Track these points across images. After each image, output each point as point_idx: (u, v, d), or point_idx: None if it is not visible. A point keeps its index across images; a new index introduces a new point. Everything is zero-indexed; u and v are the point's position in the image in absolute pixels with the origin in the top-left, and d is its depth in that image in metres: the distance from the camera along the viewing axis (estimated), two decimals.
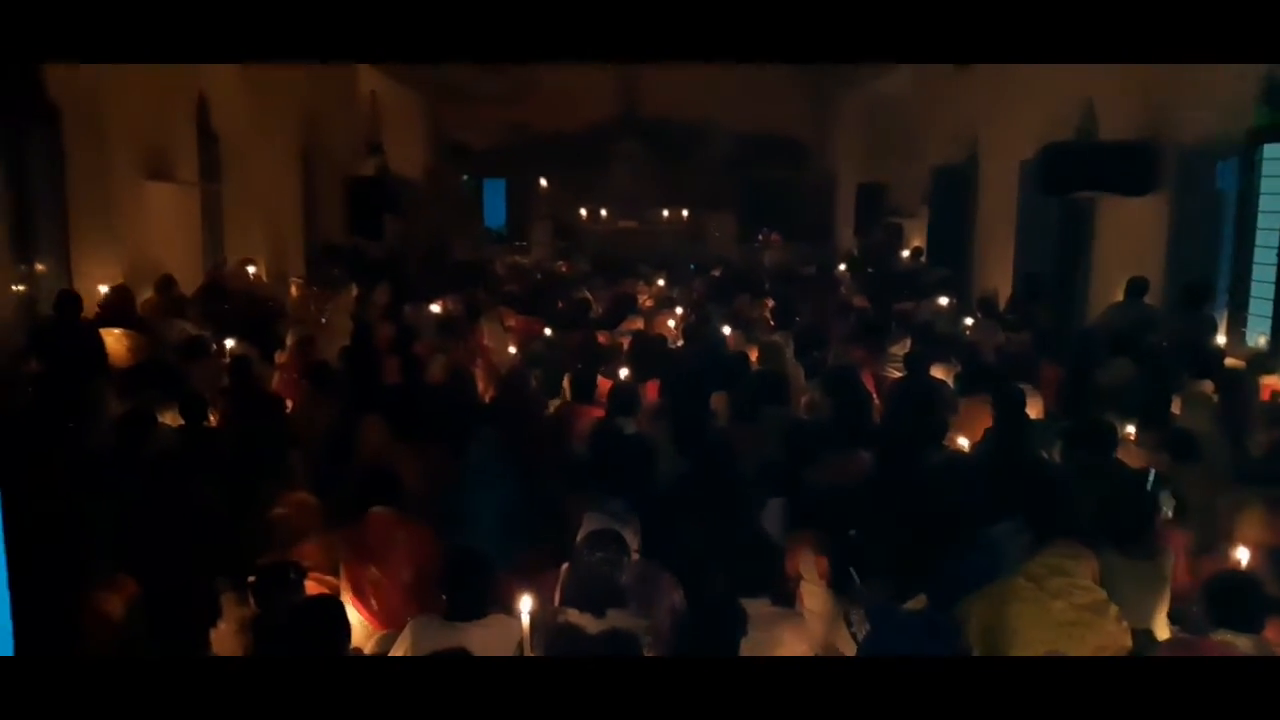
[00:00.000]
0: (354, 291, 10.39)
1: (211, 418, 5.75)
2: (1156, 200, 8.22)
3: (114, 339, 7.04)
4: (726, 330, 8.40)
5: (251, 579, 3.23)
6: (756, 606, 3.04)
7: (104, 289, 7.96)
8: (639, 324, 9.19)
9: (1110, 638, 3.28)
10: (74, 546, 3.53)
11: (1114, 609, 3.32)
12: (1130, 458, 4.94)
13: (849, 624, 3.01)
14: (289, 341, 7.81)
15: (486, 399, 6.79)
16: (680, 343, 8.38)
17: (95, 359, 6.58)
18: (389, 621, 3.74)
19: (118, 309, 7.69)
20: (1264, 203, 7.82)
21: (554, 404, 6.45)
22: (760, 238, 18.14)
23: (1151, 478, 4.37)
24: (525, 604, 2.88)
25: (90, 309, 7.54)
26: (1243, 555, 3.95)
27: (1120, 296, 8.03)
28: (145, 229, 8.89)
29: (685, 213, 18.73)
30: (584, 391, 6.21)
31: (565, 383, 6.51)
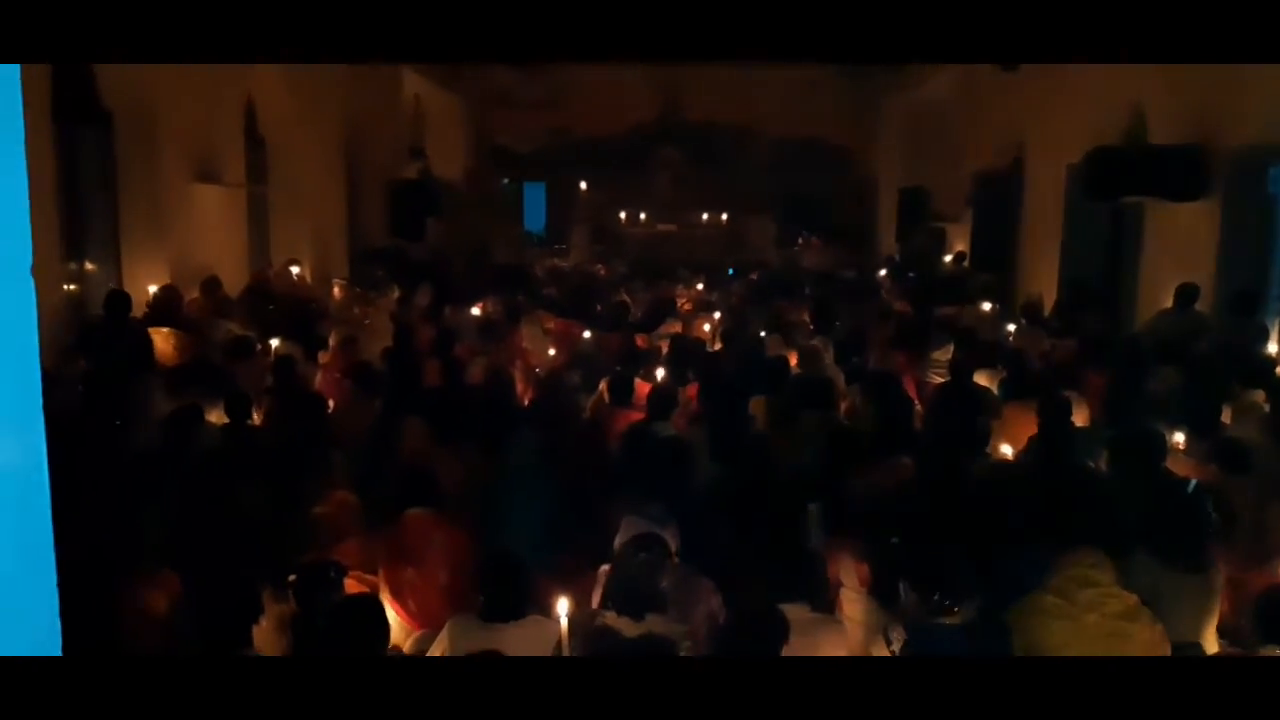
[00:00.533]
0: (396, 293, 10.49)
1: (256, 416, 5.83)
2: (1207, 206, 8.05)
3: (162, 338, 7.17)
4: (765, 334, 8.37)
5: (292, 577, 3.26)
6: (796, 612, 3.01)
7: (153, 289, 8.11)
8: (677, 327, 9.18)
9: (1148, 645, 3.20)
10: (121, 543, 3.59)
11: (1147, 612, 3.25)
12: (1179, 468, 4.83)
13: (888, 641, 2.97)
14: (332, 342, 7.90)
15: (525, 401, 6.82)
16: (718, 346, 8.36)
17: (143, 358, 6.70)
18: (426, 622, 3.76)
19: (166, 309, 7.83)
20: None
21: (590, 404, 6.46)
22: (800, 241, 18.05)
23: (1191, 488, 4.26)
24: (563, 606, 2.88)
25: (139, 309, 7.68)
26: None
27: (1169, 303, 7.88)
28: (193, 230, 9.05)
29: (724, 217, 18.70)
30: (621, 394, 6.21)
31: (602, 385, 6.53)
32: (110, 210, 8.35)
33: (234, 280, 9.37)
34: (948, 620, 2.96)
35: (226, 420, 5.48)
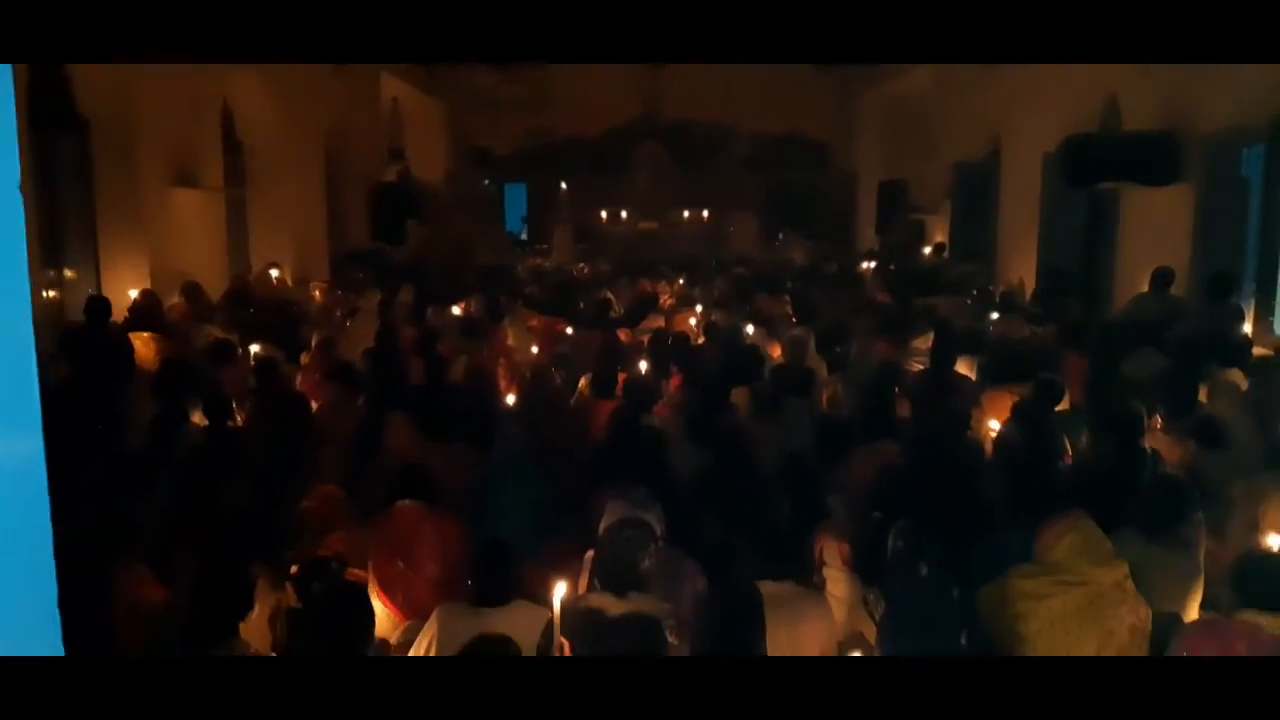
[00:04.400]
0: (377, 296, 10.46)
1: (238, 418, 5.82)
2: (1181, 190, 8.15)
3: (143, 343, 7.13)
4: (750, 329, 8.40)
5: (295, 571, 3.23)
6: (780, 587, 3.03)
7: (133, 294, 8.07)
8: (660, 322, 9.20)
9: (1130, 627, 3.21)
10: (106, 541, 3.58)
11: (1130, 590, 3.27)
12: (1157, 445, 4.89)
13: (866, 603, 3.01)
14: (313, 344, 7.88)
15: (510, 398, 6.82)
16: (701, 339, 8.39)
17: (125, 362, 6.67)
18: (414, 614, 3.76)
19: (146, 313, 7.80)
20: None
21: (574, 398, 6.48)
22: (781, 237, 18.11)
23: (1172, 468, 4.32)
24: (559, 590, 2.90)
25: (119, 314, 7.65)
26: (1274, 541, 3.90)
27: (1146, 288, 7.97)
28: (172, 235, 9.02)
29: (706, 214, 18.73)
30: (604, 387, 6.22)
31: (584, 380, 6.55)
32: (89, 216, 8.32)
33: (213, 284, 9.34)
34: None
35: (207, 423, 5.47)
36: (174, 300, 8.53)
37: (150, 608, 3.29)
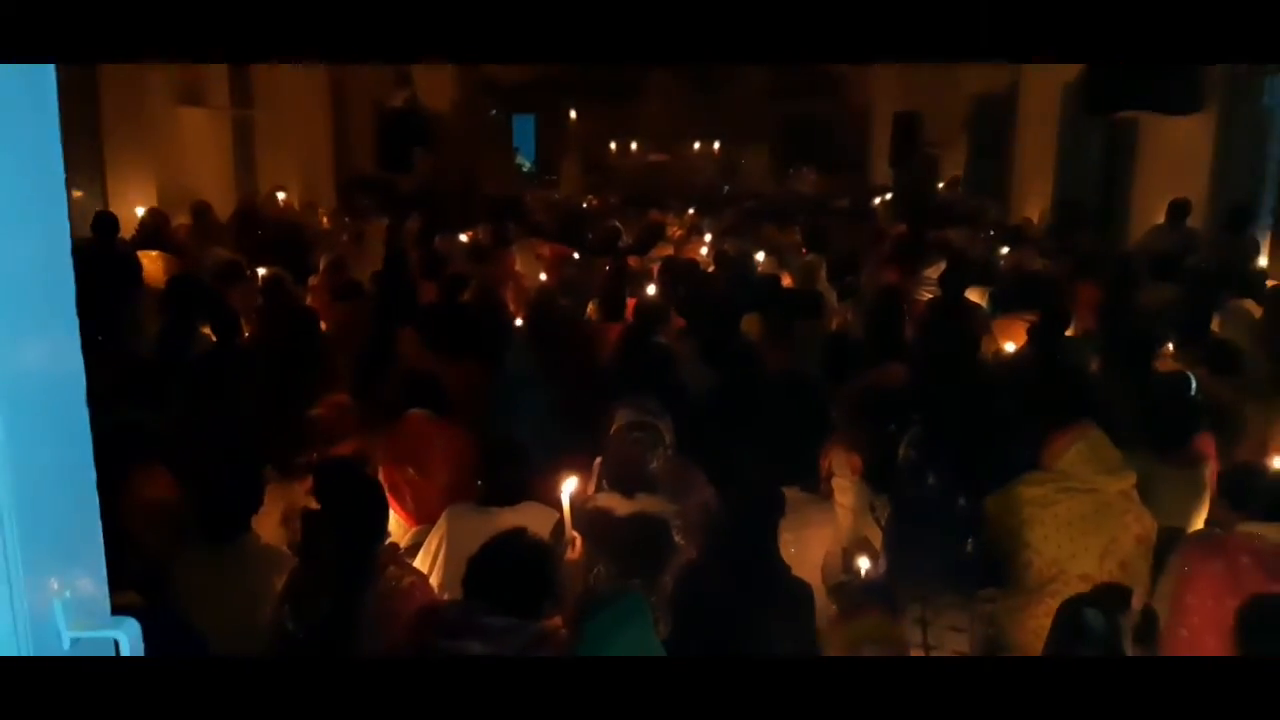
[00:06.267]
0: (384, 223, 10.37)
1: (246, 334, 5.82)
2: (1202, 119, 8.01)
3: (150, 261, 7.12)
4: (760, 257, 8.34)
5: (315, 474, 3.23)
6: (787, 493, 3.04)
7: (140, 212, 8.03)
8: (669, 251, 9.14)
9: (1135, 536, 3.22)
10: (114, 441, 3.60)
11: (1135, 502, 3.26)
12: (1169, 370, 4.87)
13: (872, 510, 3.03)
14: (321, 265, 7.84)
15: (518, 321, 6.79)
16: (711, 268, 8.33)
17: (133, 278, 6.65)
18: (424, 520, 3.78)
19: (154, 232, 7.77)
20: None
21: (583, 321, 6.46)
22: (791, 172, 17.86)
23: (1182, 381, 4.31)
24: (568, 485, 2.91)
25: (126, 232, 7.62)
26: None
27: (1162, 219, 7.88)
28: (178, 154, 8.95)
29: (717, 146, 18.49)
30: (612, 310, 6.20)
31: (591, 305, 6.52)
32: (95, 133, 8.24)
33: (220, 205, 9.28)
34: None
35: (216, 339, 5.46)
36: (181, 220, 8.49)
37: (164, 505, 3.32)
